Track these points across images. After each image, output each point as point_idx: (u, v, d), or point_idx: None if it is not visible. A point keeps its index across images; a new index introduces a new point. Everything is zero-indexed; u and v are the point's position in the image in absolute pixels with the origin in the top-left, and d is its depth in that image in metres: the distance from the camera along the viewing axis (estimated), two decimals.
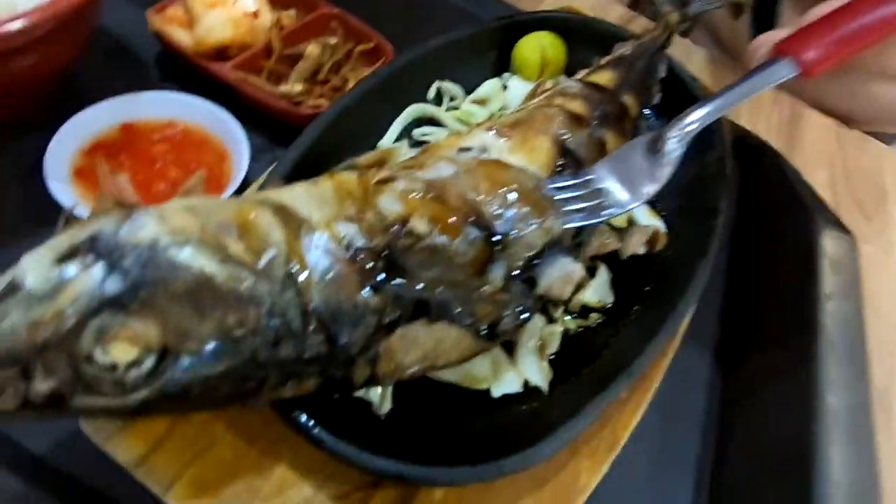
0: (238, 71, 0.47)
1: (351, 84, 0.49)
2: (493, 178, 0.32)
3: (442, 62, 0.48)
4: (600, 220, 0.34)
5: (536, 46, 0.50)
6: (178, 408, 0.24)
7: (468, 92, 0.50)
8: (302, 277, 0.25)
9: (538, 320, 0.39)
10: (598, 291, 0.40)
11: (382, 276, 0.27)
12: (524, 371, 0.36)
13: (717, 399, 0.42)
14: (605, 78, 0.45)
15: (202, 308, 0.22)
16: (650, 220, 0.45)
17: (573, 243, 0.35)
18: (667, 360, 0.38)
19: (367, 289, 0.26)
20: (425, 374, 0.33)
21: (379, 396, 0.33)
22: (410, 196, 0.29)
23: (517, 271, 0.31)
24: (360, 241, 0.27)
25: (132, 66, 0.50)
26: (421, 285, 0.27)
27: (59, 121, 0.41)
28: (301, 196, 0.27)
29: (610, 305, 0.41)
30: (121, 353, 0.21)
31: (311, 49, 0.49)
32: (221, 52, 0.49)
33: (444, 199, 0.30)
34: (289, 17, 0.52)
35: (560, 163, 0.38)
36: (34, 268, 0.20)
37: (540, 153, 0.37)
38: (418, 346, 0.28)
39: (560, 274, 0.33)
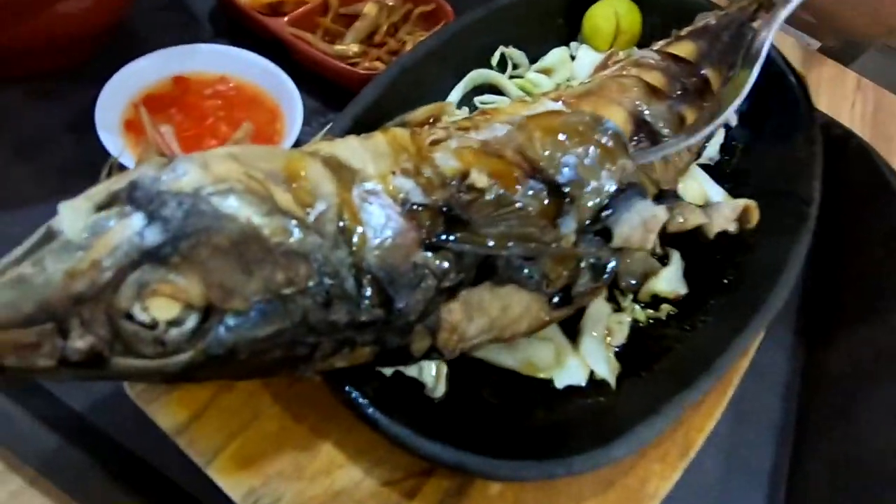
0: (293, 27, 0.44)
1: (409, 47, 0.46)
2: (546, 126, 0.29)
3: (506, 27, 0.45)
4: (682, 145, 0.31)
5: (611, 14, 0.46)
6: (224, 372, 0.21)
7: (533, 61, 0.47)
8: (356, 233, 0.22)
9: (604, 307, 0.35)
10: (670, 281, 0.37)
11: (443, 233, 0.24)
12: (589, 362, 0.33)
13: (796, 402, 0.38)
14: (685, 49, 0.41)
15: (248, 263, 0.20)
16: (719, 196, 0.41)
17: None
18: (747, 360, 0.34)
19: (427, 247, 0.24)
20: (483, 359, 0.31)
21: (433, 378, 0.31)
22: (465, 150, 0.27)
23: (588, 222, 0.28)
24: (417, 197, 0.24)
25: (186, 18, 0.48)
26: (489, 242, 0.25)
27: (111, 71, 0.39)
28: (354, 148, 0.25)
29: (683, 296, 0.37)
30: (161, 310, 0.19)
31: (369, 8, 0.46)
32: (276, 8, 0.46)
33: (500, 154, 0.27)
34: None
35: (635, 136, 0.34)
36: (71, 216, 0.19)
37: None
38: (483, 312, 0.25)
39: (640, 218, 0.29)
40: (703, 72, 0.40)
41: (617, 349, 0.35)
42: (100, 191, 0.20)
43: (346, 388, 0.26)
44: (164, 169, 0.20)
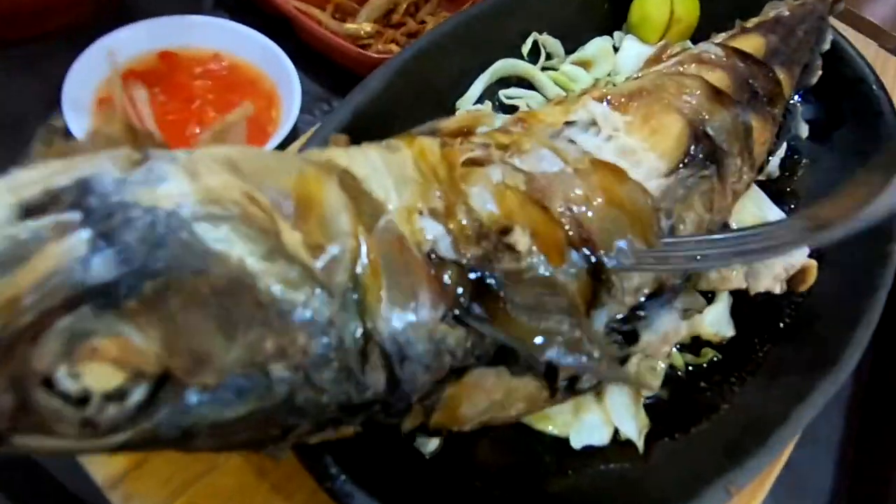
0: (299, 1, 0.39)
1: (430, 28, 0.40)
2: (609, 192, 0.23)
3: (543, 11, 0.39)
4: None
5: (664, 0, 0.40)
6: (170, 448, 0.16)
7: (570, 51, 0.41)
8: (370, 289, 0.17)
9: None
10: (716, 321, 0.32)
11: (470, 305, 0.19)
12: (614, 418, 0.27)
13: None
14: (753, 44, 0.35)
15: (232, 323, 0.15)
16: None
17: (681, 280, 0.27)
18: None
19: (449, 319, 0.18)
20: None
21: None
22: (508, 192, 0.22)
23: (620, 320, 0.24)
24: (446, 249, 0.19)
25: None
26: (515, 338, 0.19)
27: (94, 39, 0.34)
28: (378, 167, 0.20)
29: (730, 340, 0.31)
30: (99, 378, 0.13)
31: None
32: None
33: (548, 207, 0.22)
34: None
35: (692, 151, 0.28)
36: None
37: (667, 136, 0.28)
38: (486, 395, 0.21)
39: (664, 330, 0.26)
40: (773, 72, 0.34)
41: (648, 401, 0.29)
42: (33, 181, 0.14)
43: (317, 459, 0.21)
44: (135, 168, 0.15)
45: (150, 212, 0.14)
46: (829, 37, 0.39)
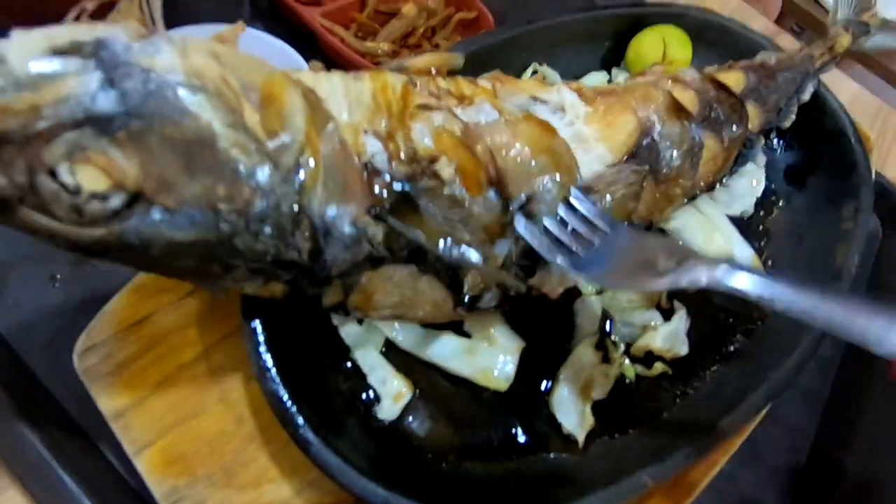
0: (326, 19, 0.43)
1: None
2: (535, 141, 0.27)
3: (546, 43, 0.43)
4: (575, 275, 0.28)
5: (659, 41, 0.43)
6: (131, 261, 0.21)
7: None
8: (309, 175, 0.22)
9: (591, 355, 0.32)
10: (669, 338, 0.34)
11: (391, 209, 0.24)
12: (558, 414, 0.30)
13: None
14: (733, 78, 0.39)
15: (194, 166, 0.19)
16: (745, 255, 0.37)
17: None
18: (740, 439, 0.30)
19: (372, 214, 0.23)
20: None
21: (391, 398, 0.28)
22: (444, 134, 0.26)
23: (519, 253, 0.28)
24: (381, 163, 0.24)
25: None
26: (428, 235, 0.24)
27: None
28: (337, 89, 0.25)
29: (681, 357, 0.33)
30: (89, 179, 0.18)
31: (408, 9, 0.46)
32: None
33: (475, 149, 0.26)
34: None
35: (637, 150, 0.31)
36: (22, 46, 0.18)
37: (618, 131, 0.32)
38: (398, 290, 0.25)
39: (557, 273, 0.29)
40: (744, 106, 0.37)
41: (596, 401, 0.31)
42: (62, 34, 0.18)
43: (284, 401, 0.24)
44: (140, 40, 0.20)
45: (146, 71, 0.19)
46: (811, 89, 0.42)
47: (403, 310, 0.26)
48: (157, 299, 0.29)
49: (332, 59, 0.45)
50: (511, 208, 0.26)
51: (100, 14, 0.21)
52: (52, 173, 0.18)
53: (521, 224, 0.26)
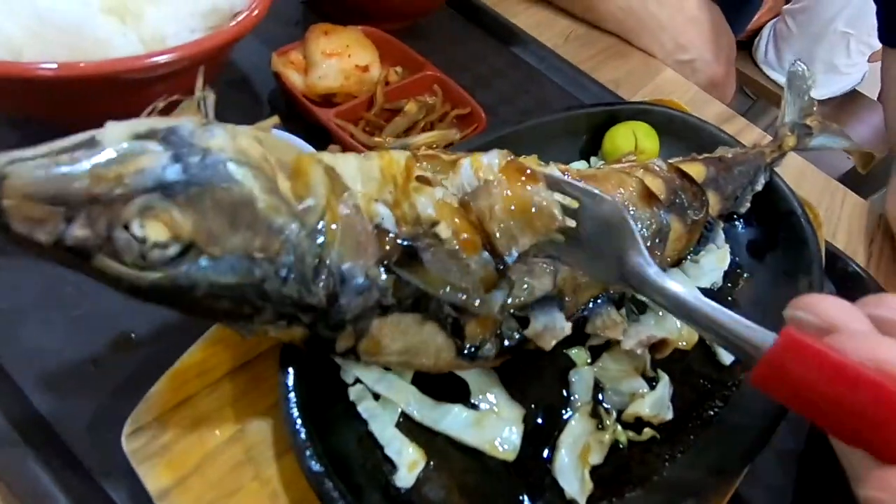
0: (338, 118, 0.48)
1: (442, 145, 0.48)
2: (518, 201, 0.30)
3: (532, 139, 0.48)
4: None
5: (630, 134, 0.49)
6: (178, 303, 0.25)
7: None
8: (330, 233, 0.27)
9: (587, 423, 0.35)
10: (655, 404, 0.37)
11: (397, 261, 0.28)
12: (560, 480, 0.32)
13: None
14: (695, 169, 0.45)
15: (236, 222, 0.24)
16: None
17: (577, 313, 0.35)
18: (723, 502, 0.33)
19: (381, 266, 0.28)
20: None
21: (406, 466, 0.31)
22: (444, 205, 0.30)
23: (514, 305, 0.32)
24: (389, 224, 0.29)
25: (248, 98, 0.55)
26: (430, 282, 0.29)
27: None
28: (352, 166, 0.30)
29: (668, 421, 0.36)
30: (154, 231, 0.22)
31: (410, 106, 0.51)
32: (329, 98, 0.52)
33: (471, 214, 0.30)
34: (396, 73, 0.54)
35: None
36: (114, 133, 0.23)
37: None
38: (405, 336, 0.29)
39: (548, 324, 0.33)
40: (705, 194, 0.42)
41: (593, 467, 0.34)
42: (144, 123, 0.24)
43: (316, 470, 0.26)
44: (202, 127, 0.25)
45: (204, 150, 0.24)
46: (763, 181, 0.47)
47: (409, 356, 0.30)
48: (195, 382, 0.32)
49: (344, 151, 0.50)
50: (504, 264, 0.30)
51: (168, 110, 0.27)
52: (126, 227, 0.22)
53: None
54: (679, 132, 0.52)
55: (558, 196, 0.30)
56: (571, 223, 0.30)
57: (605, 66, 0.73)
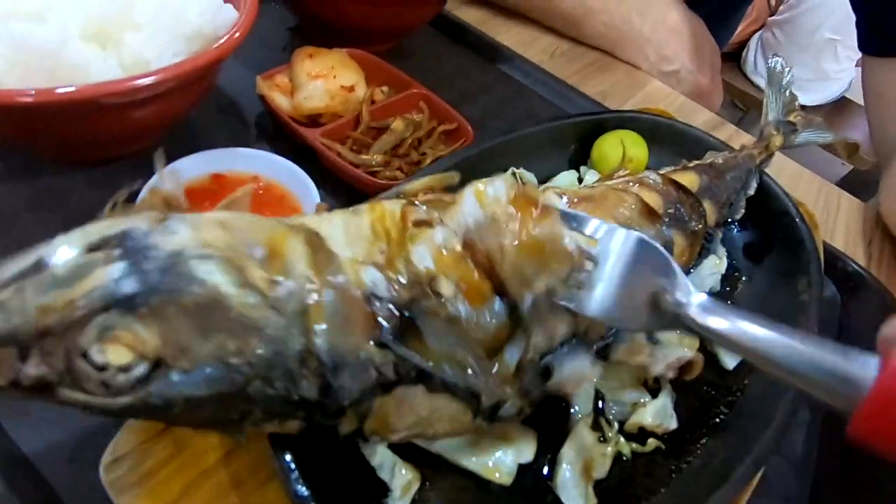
0: (325, 138, 0.48)
1: (429, 160, 0.48)
2: (533, 248, 0.27)
3: (521, 150, 0.47)
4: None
5: (618, 143, 0.48)
6: (158, 418, 0.23)
7: (542, 181, 0.49)
8: (315, 314, 0.24)
9: (589, 436, 0.33)
10: (658, 414, 0.35)
11: (394, 335, 0.25)
12: (562, 496, 0.30)
13: None
14: (688, 179, 0.43)
15: (207, 328, 0.21)
16: None
17: (600, 341, 0.33)
18: None
19: (376, 343, 0.25)
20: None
21: (400, 489, 0.29)
22: (445, 253, 0.27)
23: (533, 359, 0.28)
24: (382, 291, 0.25)
25: (236, 122, 0.54)
26: (428, 362, 0.25)
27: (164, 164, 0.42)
28: (337, 228, 0.27)
29: (672, 431, 0.35)
30: (116, 355, 0.20)
31: (397, 124, 0.50)
32: (315, 119, 0.51)
33: (477, 254, 0.27)
34: (381, 92, 0.53)
35: None
36: (63, 252, 0.21)
37: None
38: (413, 411, 0.26)
39: (576, 370, 0.30)
40: (701, 204, 0.40)
41: (597, 480, 0.32)
42: (95, 231, 0.21)
43: (302, 495, 0.25)
44: (158, 225, 0.22)
45: (162, 252, 0.21)
46: (755, 184, 0.46)
47: (422, 429, 0.26)
48: None
49: (331, 172, 0.49)
50: (520, 310, 0.27)
51: (132, 199, 0.24)
52: (85, 355, 0.20)
53: None
54: (667, 138, 0.50)
55: (576, 235, 0.28)
56: (590, 265, 0.27)
57: (591, 79, 0.71)
